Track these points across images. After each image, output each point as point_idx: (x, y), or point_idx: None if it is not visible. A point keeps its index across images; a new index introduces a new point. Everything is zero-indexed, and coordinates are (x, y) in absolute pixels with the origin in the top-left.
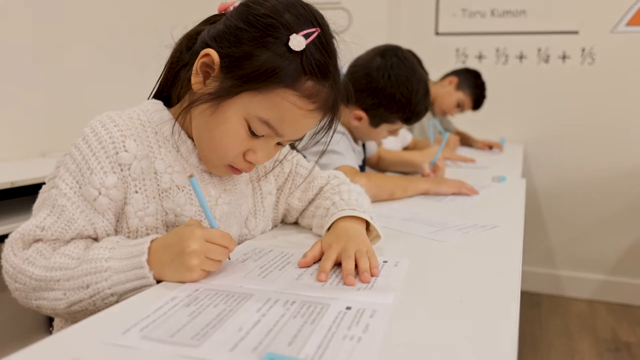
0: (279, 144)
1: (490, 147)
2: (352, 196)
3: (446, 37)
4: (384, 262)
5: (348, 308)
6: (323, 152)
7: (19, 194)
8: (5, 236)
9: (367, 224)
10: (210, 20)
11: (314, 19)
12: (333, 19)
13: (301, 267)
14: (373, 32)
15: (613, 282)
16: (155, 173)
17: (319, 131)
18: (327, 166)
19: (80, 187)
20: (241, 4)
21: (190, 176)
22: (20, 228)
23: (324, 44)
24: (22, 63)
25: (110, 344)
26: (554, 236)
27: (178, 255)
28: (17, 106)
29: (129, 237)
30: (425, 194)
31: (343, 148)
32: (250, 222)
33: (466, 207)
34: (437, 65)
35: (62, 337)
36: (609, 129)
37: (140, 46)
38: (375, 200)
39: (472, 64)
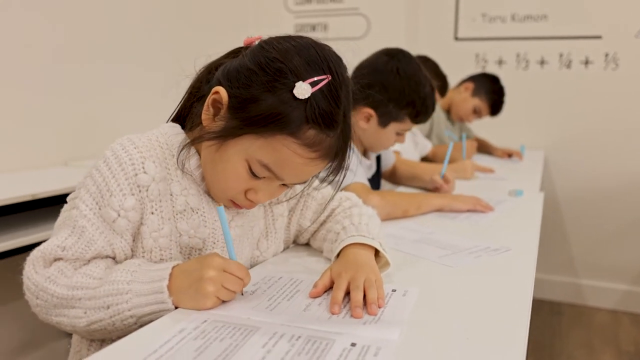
0: (284, 184)
1: (510, 155)
2: (363, 220)
3: (466, 43)
4: (392, 290)
5: (353, 344)
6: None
7: (40, 205)
8: (27, 247)
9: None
10: (233, 54)
11: (326, 64)
12: (351, 25)
13: (312, 297)
14: (391, 38)
15: (637, 292)
16: (171, 195)
17: (327, 175)
18: (337, 182)
19: (100, 209)
20: (259, 44)
21: (219, 205)
22: (41, 246)
23: (333, 92)
24: (45, 71)
25: None
26: (575, 244)
27: (195, 281)
28: (40, 114)
29: (143, 256)
30: (439, 210)
31: (353, 164)
32: (262, 243)
33: (481, 225)
34: (456, 71)
35: None
36: (633, 135)
37: (163, 69)
38: (389, 218)
39: (492, 69)
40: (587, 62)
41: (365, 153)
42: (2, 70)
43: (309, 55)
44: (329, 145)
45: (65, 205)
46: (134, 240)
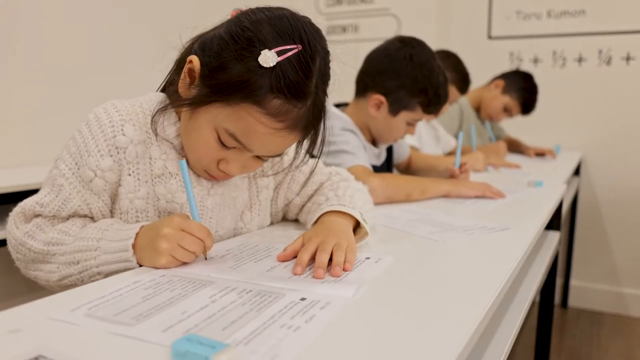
0: (259, 158)
1: (543, 155)
2: (348, 192)
3: (499, 41)
4: (366, 258)
5: (302, 299)
6: (320, 149)
7: None
8: None
9: (359, 222)
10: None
11: (297, 35)
12: (381, 26)
13: (280, 260)
14: (422, 37)
15: None
16: (150, 158)
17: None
18: (339, 166)
19: (78, 169)
20: (236, 15)
21: (182, 159)
22: (22, 203)
23: (302, 63)
24: (78, 70)
25: (54, 319)
26: (617, 251)
27: (152, 239)
28: (71, 113)
29: (120, 218)
30: (446, 196)
31: (353, 147)
32: (246, 215)
33: (486, 209)
34: (490, 70)
35: (16, 310)
36: None
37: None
38: (391, 201)
39: (527, 68)
40: (628, 59)
41: (374, 141)
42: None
43: (280, 25)
44: (297, 117)
45: (50, 166)
46: (113, 203)
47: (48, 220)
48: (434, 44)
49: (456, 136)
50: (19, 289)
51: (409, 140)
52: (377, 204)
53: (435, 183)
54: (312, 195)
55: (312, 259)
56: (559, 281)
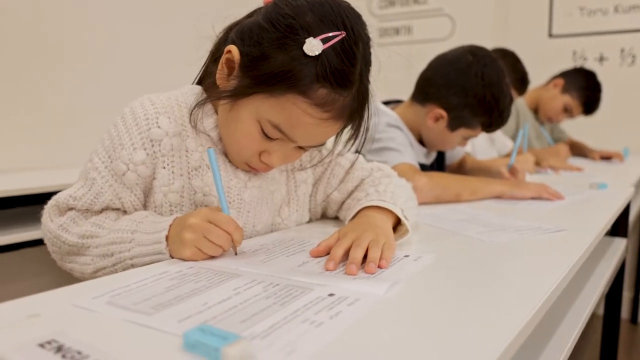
0: (301, 148)
1: (609, 158)
2: (389, 188)
3: (561, 39)
4: (405, 256)
5: (331, 295)
6: (357, 142)
7: None
8: None
9: (400, 219)
10: (253, 14)
11: (340, 21)
12: (435, 26)
13: (313, 256)
14: (478, 37)
15: None
16: (186, 151)
17: (348, 139)
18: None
19: (111, 162)
20: (273, 1)
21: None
22: (57, 196)
23: (347, 50)
24: (110, 69)
25: (75, 306)
26: None
27: (179, 230)
28: (106, 113)
29: (155, 211)
30: (499, 197)
31: (399, 144)
32: (284, 210)
33: (542, 210)
34: (550, 70)
35: (38, 296)
36: None
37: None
38: (439, 201)
39: (592, 67)
40: None
41: (423, 143)
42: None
43: (322, 11)
44: (342, 106)
45: (86, 159)
46: (147, 197)
47: (82, 214)
48: (490, 43)
49: (513, 138)
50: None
51: None
52: (424, 203)
53: (487, 183)
54: (352, 192)
55: (347, 255)
56: (627, 294)
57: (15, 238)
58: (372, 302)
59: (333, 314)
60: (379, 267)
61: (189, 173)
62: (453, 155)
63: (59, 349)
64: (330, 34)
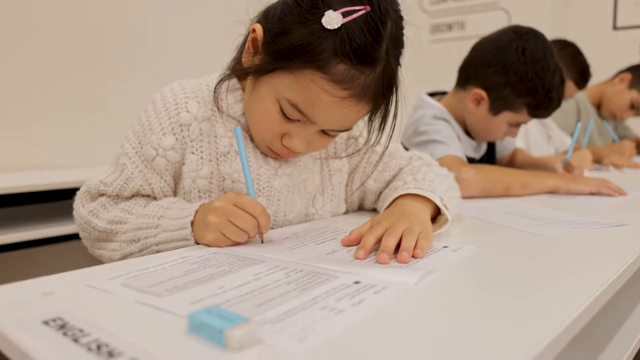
0: (325, 133)
1: None
2: (428, 176)
3: (627, 32)
4: (443, 247)
5: (356, 282)
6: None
7: None
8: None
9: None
10: None
11: None
12: (490, 21)
13: (344, 244)
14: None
15: None
16: (215, 136)
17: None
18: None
19: (141, 147)
20: None
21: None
22: (88, 181)
23: (371, 25)
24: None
25: (90, 286)
26: None
27: (204, 214)
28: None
29: (184, 198)
30: (553, 192)
31: (445, 136)
32: (318, 200)
33: (602, 207)
34: (615, 64)
35: (57, 276)
36: None
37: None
38: (487, 195)
39: None
40: None
41: (471, 135)
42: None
43: None
44: (364, 85)
45: (118, 144)
46: (177, 183)
47: (112, 200)
48: (549, 36)
49: (572, 135)
50: None
51: (516, 142)
52: (470, 197)
53: (540, 177)
54: (390, 181)
55: (379, 244)
56: None
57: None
58: (401, 291)
59: (356, 301)
60: (413, 256)
61: (217, 159)
62: (504, 149)
63: (62, 326)
64: (352, 8)
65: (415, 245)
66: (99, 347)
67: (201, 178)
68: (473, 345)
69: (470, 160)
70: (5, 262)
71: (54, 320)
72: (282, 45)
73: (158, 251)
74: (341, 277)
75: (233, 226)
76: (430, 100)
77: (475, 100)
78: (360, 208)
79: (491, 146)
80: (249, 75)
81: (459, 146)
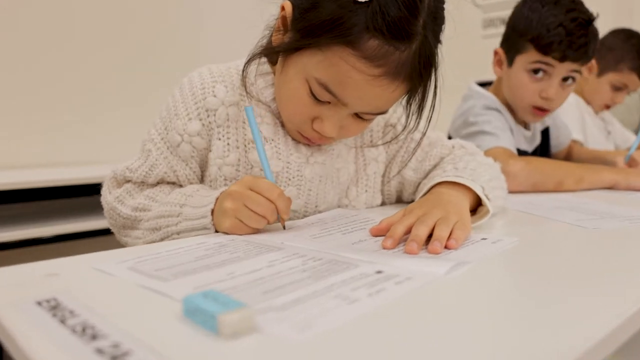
0: (359, 117)
1: None
2: (470, 165)
3: None
4: (482, 238)
5: (378, 272)
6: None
7: None
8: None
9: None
10: None
11: None
12: None
13: (373, 234)
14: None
15: None
16: (243, 122)
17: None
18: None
19: (167, 133)
20: None
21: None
22: (114, 167)
23: None
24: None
25: (96, 269)
26: None
27: (221, 200)
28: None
29: (210, 186)
30: (611, 188)
31: (496, 127)
32: (352, 191)
33: None
34: None
35: (68, 259)
36: None
37: None
38: (537, 189)
39: None
40: None
41: (526, 122)
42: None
43: None
44: (398, 62)
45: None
46: (204, 170)
47: (137, 186)
48: (612, 26)
49: (636, 132)
50: None
51: (573, 133)
52: (519, 192)
53: (596, 170)
54: (430, 172)
55: (409, 233)
56: None
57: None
58: (426, 282)
59: (374, 291)
60: (446, 247)
61: (245, 146)
62: (559, 143)
63: (54, 307)
64: None
65: (450, 235)
66: (84, 330)
67: (227, 165)
68: (494, 348)
69: (523, 154)
70: (33, 256)
71: (47, 301)
72: (311, 21)
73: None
74: (362, 266)
75: (249, 211)
76: (480, 89)
77: (497, 62)
78: (399, 200)
79: (545, 139)
80: (278, 54)
81: (510, 138)
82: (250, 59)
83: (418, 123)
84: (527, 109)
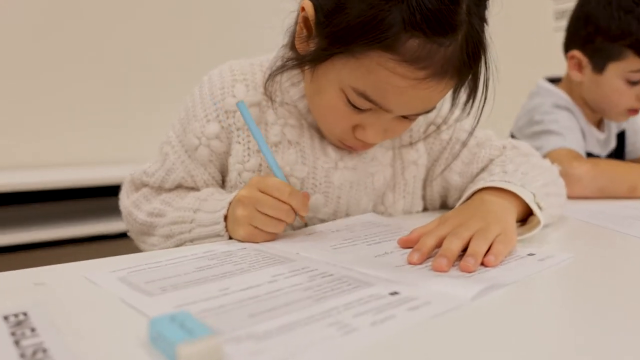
0: (404, 117)
1: None
2: (521, 168)
3: None
4: (528, 254)
5: (394, 293)
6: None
7: None
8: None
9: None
10: None
11: None
12: None
13: (401, 245)
14: None
15: None
16: (265, 124)
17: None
18: (539, 149)
19: (185, 135)
20: None
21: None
22: (133, 171)
23: None
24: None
25: (86, 278)
26: None
27: (234, 206)
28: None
29: (230, 193)
30: None
31: (563, 127)
32: (388, 197)
33: None
34: None
35: (63, 266)
36: None
37: None
38: (605, 195)
39: None
40: None
41: (600, 124)
42: None
43: None
44: (444, 59)
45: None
46: (224, 176)
47: (155, 191)
48: None
49: None
50: None
51: None
52: (584, 198)
53: None
54: (477, 175)
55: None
56: None
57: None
58: (448, 308)
59: (380, 318)
60: (483, 264)
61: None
62: (636, 149)
63: (19, 323)
64: None
65: (489, 250)
66: (34, 353)
67: (248, 171)
68: None
69: (593, 157)
70: (55, 258)
71: (16, 315)
72: (339, 25)
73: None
74: (377, 285)
75: (263, 216)
76: (549, 86)
77: (575, 65)
78: (444, 207)
79: (621, 143)
80: (304, 65)
81: (579, 139)
82: (271, 73)
83: (469, 113)
84: (622, 112)
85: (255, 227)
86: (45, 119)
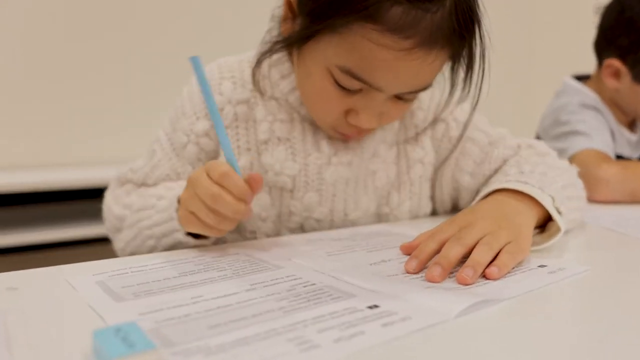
0: (399, 98)
1: None
2: (538, 169)
3: None
4: (539, 266)
5: (372, 307)
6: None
7: None
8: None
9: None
10: None
11: None
12: None
13: (404, 252)
14: None
15: None
16: (254, 121)
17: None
18: (565, 151)
19: (174, 133)
20: None
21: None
22: (120, 168)
23: None
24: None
25: (66, 282)
26: None
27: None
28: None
29: None
30: None
31: (590, 127)
32: (393, 197)
33: None
34: None
35: (43, 270)
36: None
37: None
38: (636, 199)
39: None
40: None
41: (632, 124)
42: None
43: None
44: (432, 26)
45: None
46: None
47: (137, 187)
48: None
49: None
50: None
51: None
52: (612, 202)
53: None
54: (490, 177)
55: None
56: None
57: None
58: (427, 325)
59: (347, 334)
60: (485, 276)
61: (257, 147)
62: None
63: None
64: None
65: (494, 260)
66: None
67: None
68: None
69: (622, 159)
70: (56, 260)
71: None
72: (318, 1)
73: (149, 237)
74: (358, 297)
75: (199, 200)
76: (577, 85)
77: (612, 74)
78: (456, 209)
79: None
80: (290, 47)
81: (607, 140)
82: (258, 59)
83: (468, 92)
84: None
85: (191, 213)
86: (45, 119)
